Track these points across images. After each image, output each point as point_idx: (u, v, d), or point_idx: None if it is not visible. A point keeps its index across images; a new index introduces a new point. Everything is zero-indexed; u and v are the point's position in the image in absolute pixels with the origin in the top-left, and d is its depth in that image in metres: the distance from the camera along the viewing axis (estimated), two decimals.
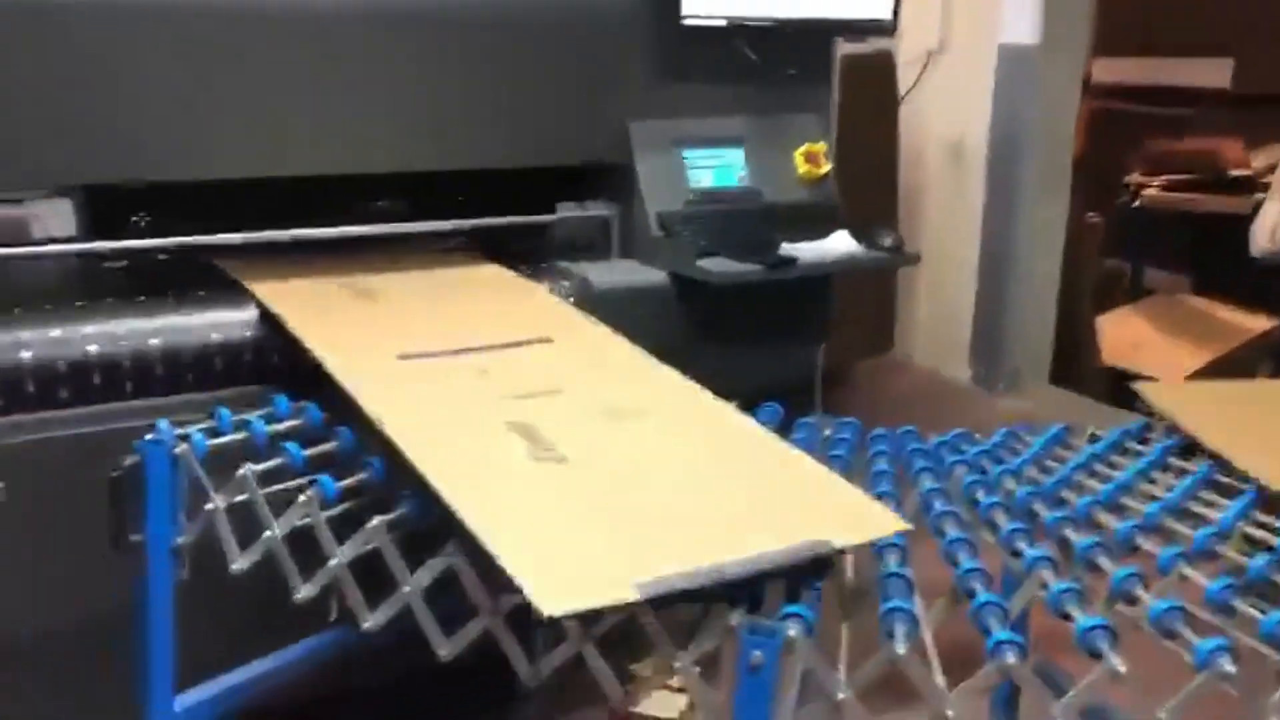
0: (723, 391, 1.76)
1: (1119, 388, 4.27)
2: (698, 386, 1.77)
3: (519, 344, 1.90)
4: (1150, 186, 5.23)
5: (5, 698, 1.91)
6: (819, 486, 1.47)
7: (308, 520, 1.52)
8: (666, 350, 2.22)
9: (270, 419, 1.75)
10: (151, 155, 2.06)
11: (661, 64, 2.45)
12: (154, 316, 1.98)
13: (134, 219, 2.33)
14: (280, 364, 2.02)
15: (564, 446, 1.51)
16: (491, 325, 2.00)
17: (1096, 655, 1.23)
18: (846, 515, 1.39)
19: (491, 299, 2.21)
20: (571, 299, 2.29)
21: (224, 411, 1.73)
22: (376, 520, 1.45)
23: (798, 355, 2.55)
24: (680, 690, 2.22)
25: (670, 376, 1.82)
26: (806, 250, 2.37)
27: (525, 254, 2.51)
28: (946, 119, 4.11)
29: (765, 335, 2.45)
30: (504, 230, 2.45)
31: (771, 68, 2.54)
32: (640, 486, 1.45)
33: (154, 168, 2.09)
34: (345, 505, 1.56)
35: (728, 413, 1.69)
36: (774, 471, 1.53)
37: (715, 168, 2.50)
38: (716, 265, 2.28)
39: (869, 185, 3.70)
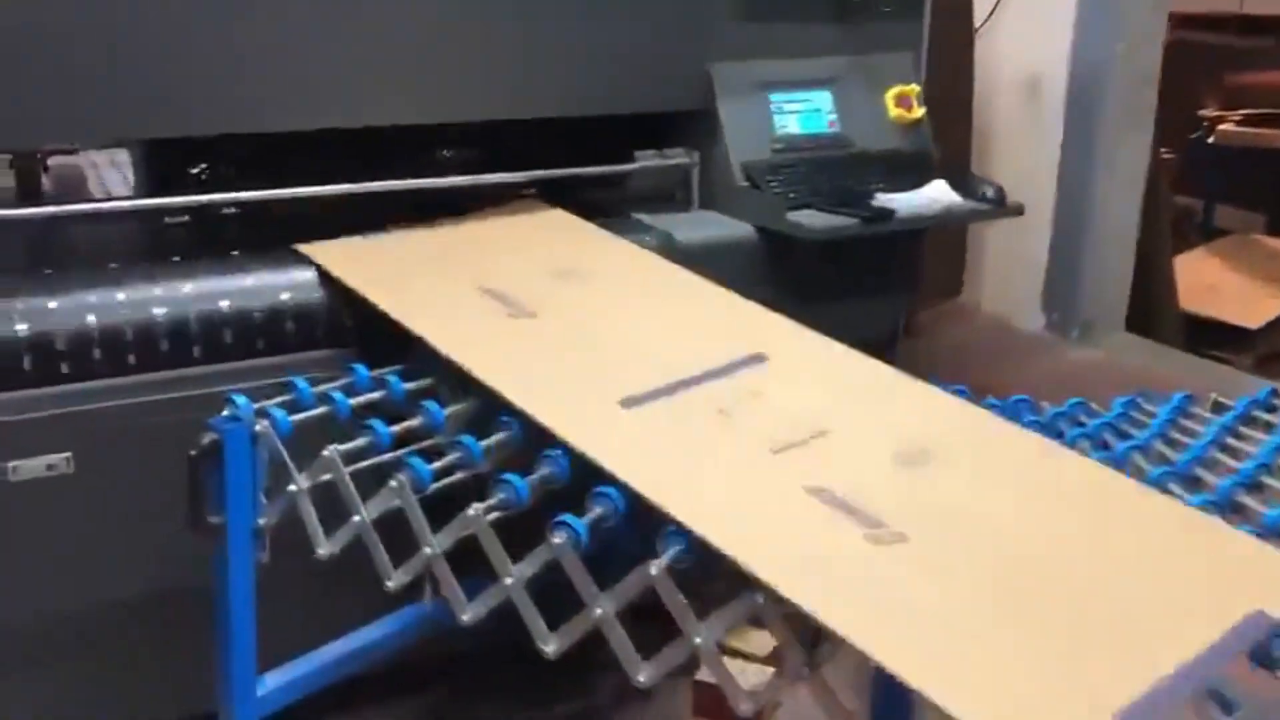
0: None
1: (1195, 333, 4.13)
2: (963, 403, 1.58)
3: (733, 367, 1.64)
4: (1226, 121, 5.01)
5: (77, 677, 1.84)
6: (1207, 537, 1.30)
7: (397, 504, 1.43)
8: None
9: (350, 390, 1.65)
10: (214, 107, 1.94)
11: (744, 1, 2.30)
12: (222, 277, 1.88)
13: (194, 171, 2.23)
14: (352, 327, 1.91)
15: (890, 516, 1.28)
16: (682, 337, 1.76)
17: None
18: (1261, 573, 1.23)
19: (656, 297, 1.93)
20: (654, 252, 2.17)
21: (302, 385, 1.63)
22: (475, 508, 1.35)
23: (884, 308, 2.42)
24: None
25: (928, 395, 1.61)
26: (902, 201, 2.23)
27: (600, 205, 2.38)
28: (1023, 54, 3.91)
29: (853, 289, 2.32)
30: (576, 180, 2.32)
31: (862, 3, 2.38)
32: (1007, 566, 1.23)
33: (217, 120, 1.97)
34: (437, 485, 1.47)
35: (1029, 440, 1.50)
36: (1143, 521, 1.33)
37: (802, 113, 2.35)
38: (808, 219, 2.15)
39: (942, 125, 3.53)
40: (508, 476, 1.39)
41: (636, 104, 2.28)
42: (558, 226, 2.19)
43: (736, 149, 2.29)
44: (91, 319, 1.76)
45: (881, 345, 2.52)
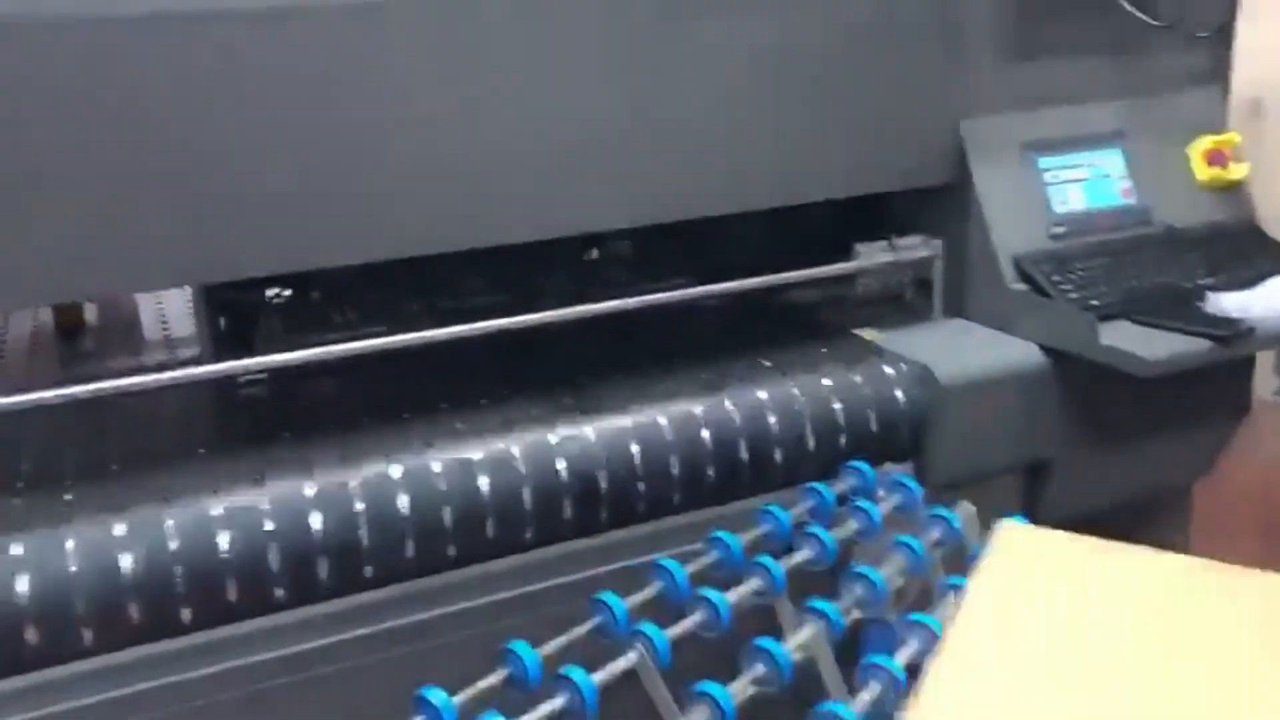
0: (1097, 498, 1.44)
1: None
2: None
3: None
4: None
5: None
6: None
7: None
8: (1027, 451, 1.61)
9: None
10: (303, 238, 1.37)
11: (1004, 33, 1.68)
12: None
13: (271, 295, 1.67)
14: None
15: None
16: None
17: None
18: None
19: None
20: (901, 394, 1.55)
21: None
22: None
23: (1206, 440, 1.78)
24: None
25: None
26: (1240, 304, 1.58)
27: (801, 318, 1.79)
28: (1242, 72, 3.23)
29: (1171, 421, 1.69)
30: (772, 288, 1.70)
31: (1162, 24, 1.74)
32: None
33: (308, 253, 1.39)
34: None
35: None
36: None
37: (1087, 180, 1.72)
38: (1133, 340, 1.51)
39: None
40: None
41: (867, 182, 1.67)
42: None
43: (1002, 234, 1.66)
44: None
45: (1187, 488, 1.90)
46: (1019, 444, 1.61)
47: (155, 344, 1.79)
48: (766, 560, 1.28)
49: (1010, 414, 1.59)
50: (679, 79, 1.49)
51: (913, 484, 1.44)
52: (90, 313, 1.90)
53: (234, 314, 1.62)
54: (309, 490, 1.27)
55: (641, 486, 1.42)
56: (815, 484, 1.44)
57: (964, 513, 1.41)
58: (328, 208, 1.35)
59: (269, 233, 1.33)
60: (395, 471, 1.31)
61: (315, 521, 1.26)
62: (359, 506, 1.28)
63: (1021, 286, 1.64)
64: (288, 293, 1.68)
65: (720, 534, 1.33)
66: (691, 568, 1.29)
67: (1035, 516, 1.63)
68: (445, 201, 1.41)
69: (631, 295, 1.62)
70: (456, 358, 1.54)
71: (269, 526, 1.24)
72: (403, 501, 1.30)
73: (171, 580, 1.20)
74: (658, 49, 1.47)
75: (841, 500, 1.44)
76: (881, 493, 1.47)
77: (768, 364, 1.60)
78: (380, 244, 1.41)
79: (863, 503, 1.37)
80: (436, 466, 1.33)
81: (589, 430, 1.41)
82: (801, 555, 1.33)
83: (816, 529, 1.34)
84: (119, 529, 1.21)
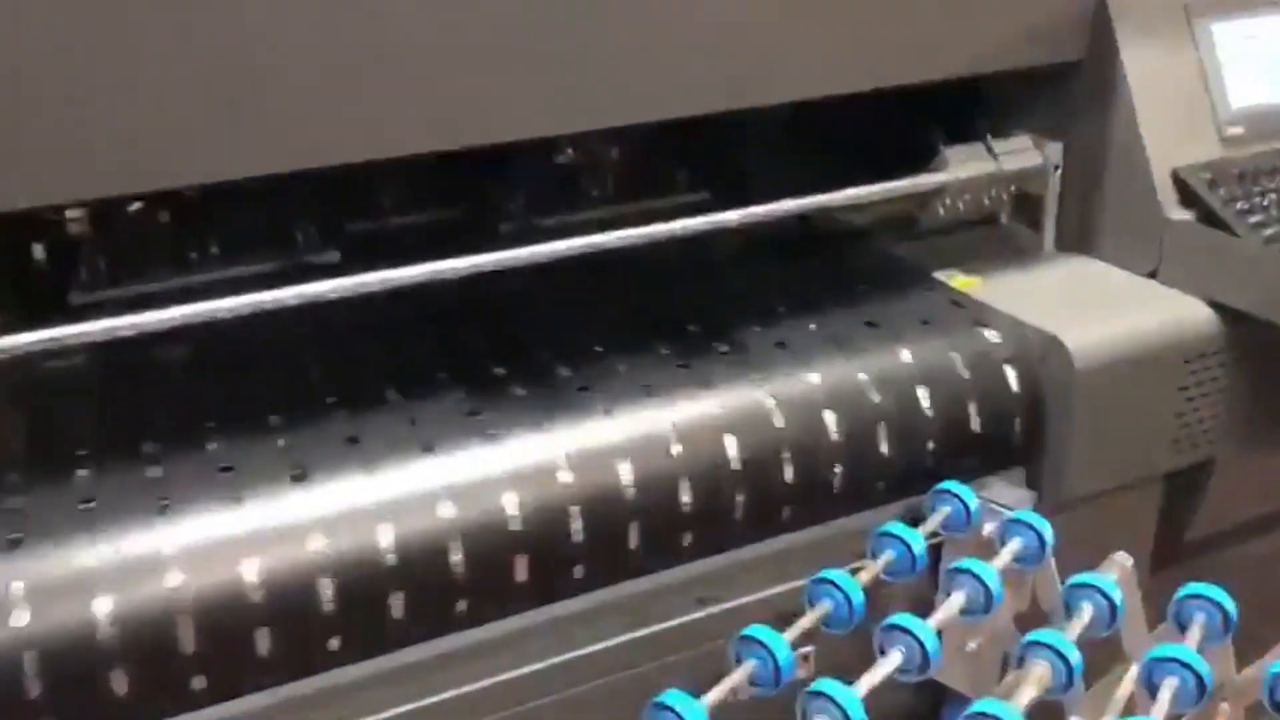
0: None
1: None
2: None
3: None
4: None
5: None
6: None
7: None
8: (1186, 452, 1.14)
9: None
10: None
11: None
12: None
13: None
14: None
15: None
16: None
17: None
18: None
19: None
20: (1013, 376, 1.07)
21: None
22: None
23: None
24: None
25: None
26: None
27: (844, 247, 1.30)
28: None
29: None
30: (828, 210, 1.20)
31: None
32: None
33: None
34: None
35: None
36: None
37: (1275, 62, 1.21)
38: None
39: None
40: None
41: (964, 58, 1.14)
42: None
43: (1157, 136, 1.15)
44: None
45: None
46: (1174, 442, 1.13)
47: None
48: None
49: (1165, 402, 1.11)
50: None
51: (1041, 525, 0.96)
52: None
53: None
54: None
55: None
56: (893, 528, 0.96)
57: (1118, 571, 0.94)
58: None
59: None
60: None
61: None
62: None
63: (1184, 214, 1.14)
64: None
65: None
66: None
67: (1174, 529, 1.19)
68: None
69: (621, 215, 1.14)
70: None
71: None
72: None
73: None
74: None
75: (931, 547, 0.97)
76: (988, 529, 1.00)
77: (812, 326, 1.11)
78: (277, 152, 0.90)
79: (973, 566, 0.89)
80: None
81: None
82: None
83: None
84: None
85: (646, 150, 1.33)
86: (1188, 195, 1.14)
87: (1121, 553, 0.95)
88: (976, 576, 0.89)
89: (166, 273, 1.12)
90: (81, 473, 0.89)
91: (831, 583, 0.88)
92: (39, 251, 1.14)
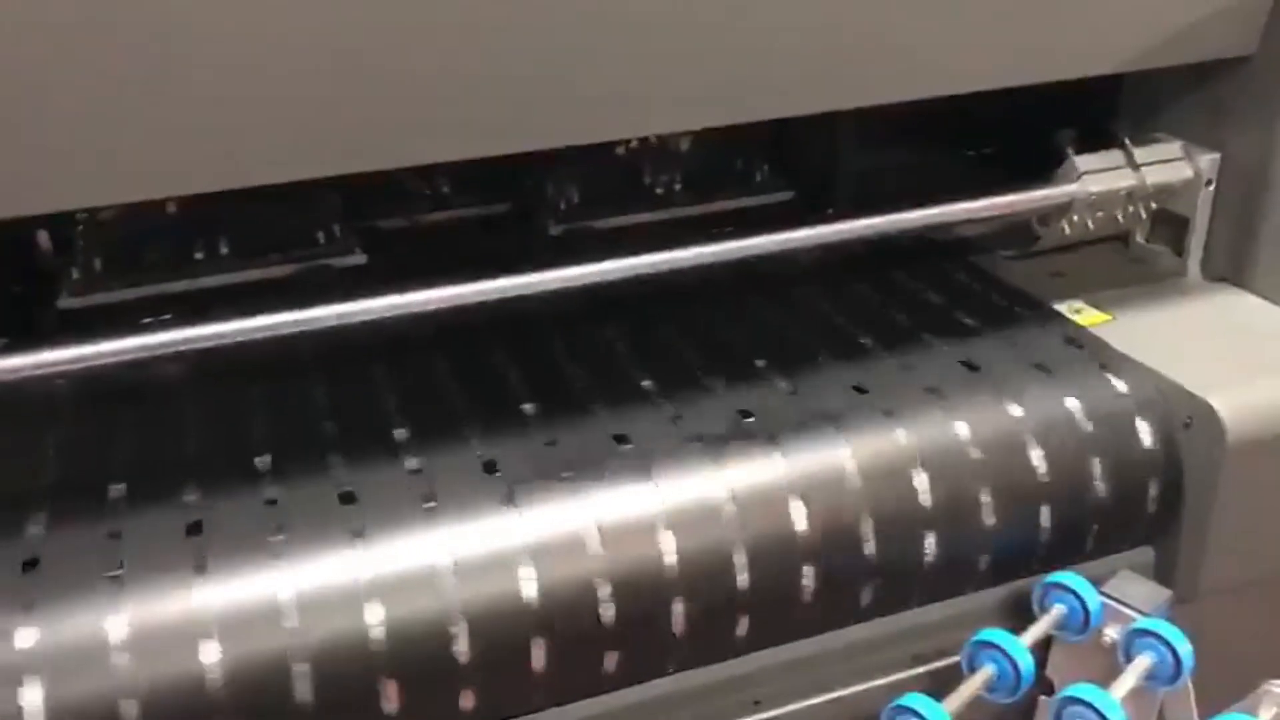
0: None
1: None
2: None
3: None
4: None
5: None
6: None
7: None
8: None
9: None
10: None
11: None
12: None
13: None
14: None
15: None
16: None
17: None
18: None
19: None
20: (1148, 437, 0.89)
21: None
22: None
23: None
24: None
25: None
26: None
27: (942, 276, 1.11)
28: None
29: None
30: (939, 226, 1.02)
31: None
32: None
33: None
34: None
35: None
36: None
37: None
38: None
39: None
40: None
41: (1129, 56, 0.95)
42: None
43: None
44: None
45: None
46: None
47: None
48: None
49: None
50: None
51: (1177, 640, 0.78)
52: None
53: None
54: None
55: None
56: (994, 636, 0.78)
57: (1272, 709, 0.75)
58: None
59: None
60: None
61: None
62: None
63: None
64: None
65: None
66: None
67: None
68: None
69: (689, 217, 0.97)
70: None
71: None
72: None
73: None
74: None
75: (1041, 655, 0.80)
76: (1109, 635, 0.82)
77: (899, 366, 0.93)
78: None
79: (1089, 696, 0.72)
80: None
81: None
82: None
83: None
84: None
85: (721, 141, 1.15)
86: None
87: (1275, 681, 0.77)
88: (1094, 709, 0.71)
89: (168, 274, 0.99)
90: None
91: (912, 711, 0.71)
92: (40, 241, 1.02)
